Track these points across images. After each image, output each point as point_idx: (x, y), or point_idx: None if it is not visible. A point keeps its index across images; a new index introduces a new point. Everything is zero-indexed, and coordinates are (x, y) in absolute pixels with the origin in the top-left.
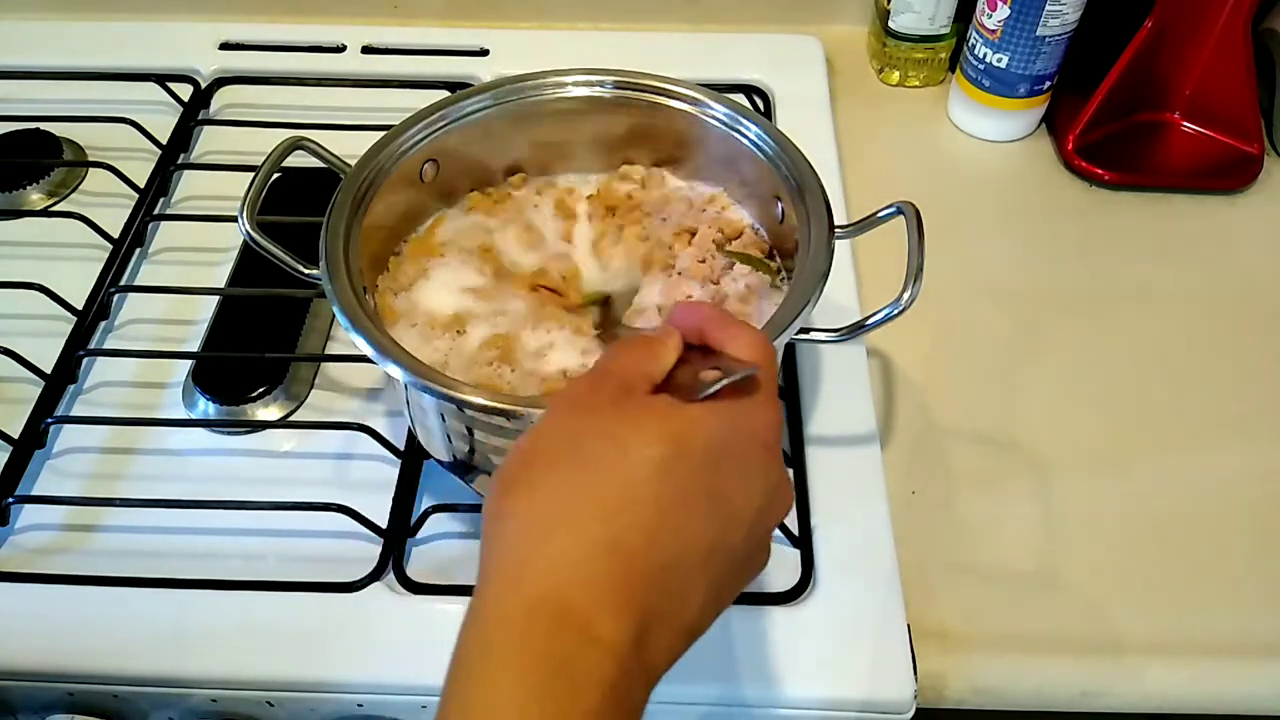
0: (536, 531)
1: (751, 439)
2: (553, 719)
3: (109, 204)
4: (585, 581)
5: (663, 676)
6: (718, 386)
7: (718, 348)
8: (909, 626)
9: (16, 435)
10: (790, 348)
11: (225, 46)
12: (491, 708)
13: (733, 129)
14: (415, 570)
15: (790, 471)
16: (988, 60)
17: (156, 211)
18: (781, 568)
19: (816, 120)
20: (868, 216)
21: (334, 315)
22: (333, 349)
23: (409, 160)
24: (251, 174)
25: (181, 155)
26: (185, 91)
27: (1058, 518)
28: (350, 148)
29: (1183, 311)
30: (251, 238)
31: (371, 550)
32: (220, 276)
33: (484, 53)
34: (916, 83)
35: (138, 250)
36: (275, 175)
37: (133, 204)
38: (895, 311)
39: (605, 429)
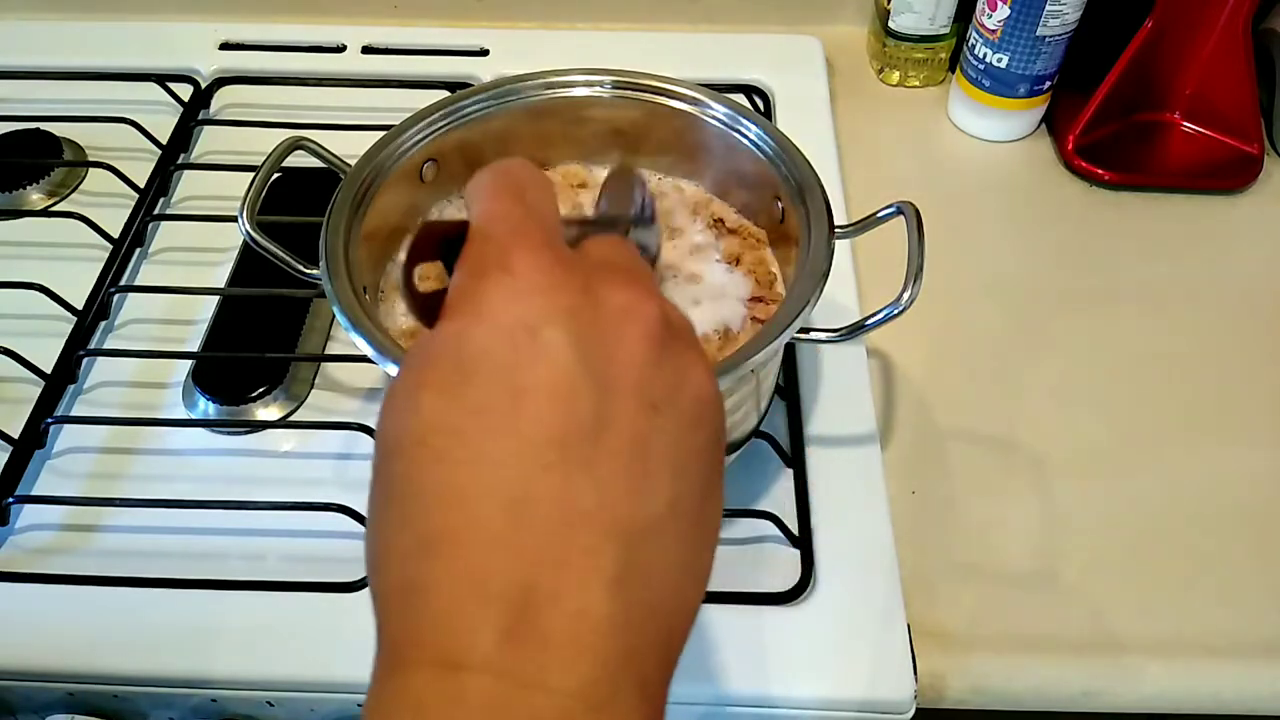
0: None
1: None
2: None
3: (109, 204)
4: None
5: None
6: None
7: None
8: (909, 626)
9: (16, 435)
10: (790, 348)
11: (225, 46)
12: None
13: (733, 129)
14: None
15: (791, 471)
16: (988, 60)
17: (156, 211)
18: (781, 568)
19: (816, 120)
20: (868, 216)
21: (334, 315)
22: (333, 349)
23: (409, 160)
24: (251, 174)
25: (181, 155)
26: (185, 91)
27: (1058, 518)
28: (350, 148)
29: (1183, 311)
30: (251, 238)
31: None
32: (220, 276)
33: (484, 53)
34: (916, 83)
35: (138, 250)
36: (275, 175)
37: (133, 204)
38: (895, 311)
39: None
